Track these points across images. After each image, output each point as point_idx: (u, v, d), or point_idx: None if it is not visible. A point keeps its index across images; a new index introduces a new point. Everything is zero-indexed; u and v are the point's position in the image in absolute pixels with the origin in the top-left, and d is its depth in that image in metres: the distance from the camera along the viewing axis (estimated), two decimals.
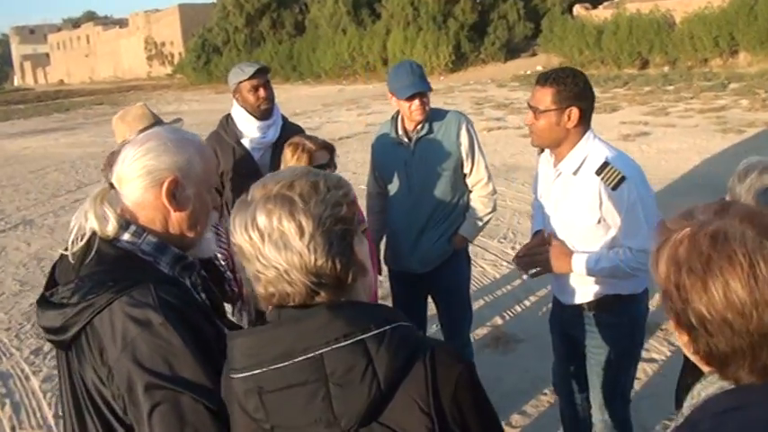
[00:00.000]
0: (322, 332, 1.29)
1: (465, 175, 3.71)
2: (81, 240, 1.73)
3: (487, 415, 1.40)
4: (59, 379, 1.88)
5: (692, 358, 1.26)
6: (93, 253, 1.70)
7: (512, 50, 30.42)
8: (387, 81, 3.67)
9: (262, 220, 1.32)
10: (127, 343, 1.58)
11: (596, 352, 3.07)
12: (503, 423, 3.53)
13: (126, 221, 1.74)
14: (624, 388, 3.16)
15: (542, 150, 3.21)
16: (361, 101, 22.34)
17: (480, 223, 3.75)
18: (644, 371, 4.48)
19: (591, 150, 2.87)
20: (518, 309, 5.62)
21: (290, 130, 3.91)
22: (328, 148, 3.37)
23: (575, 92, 2.82)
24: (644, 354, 4.21)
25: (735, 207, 1.22)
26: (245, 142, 3.84)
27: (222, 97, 27.11)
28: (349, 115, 18.69)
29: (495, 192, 3.77)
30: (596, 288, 2.99)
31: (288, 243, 1.31)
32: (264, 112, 3.83)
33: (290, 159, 3.27)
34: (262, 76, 3.82)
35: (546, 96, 2.82)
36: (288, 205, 1.32)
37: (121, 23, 57.52)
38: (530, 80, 23.83)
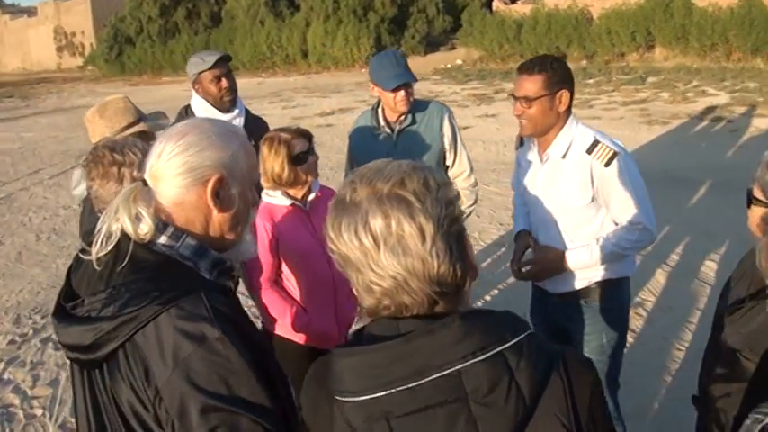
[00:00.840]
0: (459, 345, 1.16)
1: (447, 167, 3.68)
2: (107, 244, 1.54)
3: (611, 425, 1.32)
4: (75, 397, 1.68)
5: None
6: (126, 258, 1.52)
7: (431, 44, 30.59)
8: (369, 71, 3.59)
9: (377, 223, 1.18)
10: (179, 361, 1.42)
11: (589, 339, 3.08)
12: None
13: (163, 223, 1.57)
14: (616, 373, 3.19)
15: (521, 144, 3.23)
16: (283, 94, 22.06)
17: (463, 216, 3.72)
18: None
19: (576, 133, 2.94)
20: (478, 303, 5.64)
21: (253, 123, 3.78)
22: (305, 135, 3.17)
23: (562, 76, 2.89)
24: None
25: None
26: None
27: (136, 90, 26.35)
28: (273, 108, 18.39)
29: (476, 183, 3.75)
30: (585, 275, 3.01)
31: (407, 249, 1.18)
32: (227, 103, 3.68)
33: (267, 156, 3.03)
34: (224, 66, 3.66)
35: (536, 84, 2.85)
36: (405, 206, 1.19)
37: (30, 12, 55.06)
38: (450, 74, 24.11)
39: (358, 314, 1.40)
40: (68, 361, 1.68)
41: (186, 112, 3.74)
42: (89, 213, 2.69)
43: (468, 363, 1.15)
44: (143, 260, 1.53)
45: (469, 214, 3.76)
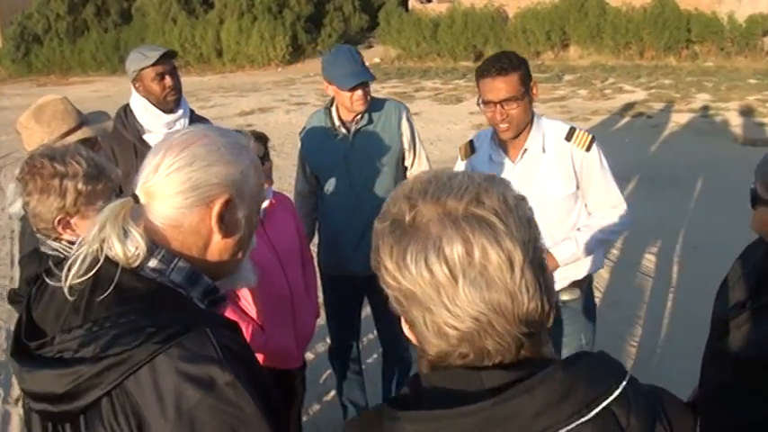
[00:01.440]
0: (564, 403, 0.94)
1: (406, 168, 3.51)
2: (87, 268, 1.28)
3: None
4: None
5: None
6: (111, 286, 1.26)
7: (348, 42, 30.28)
8: (322, 68, 3.37)
9: (456, 250, 0.94)
10: (183, 413, 1.18)
11: (568, 341, 3.03)
12: None
13: (154, 245, 1.33)
14: None
15: (472, 152, 3.14)
16: (199, 93, 21.41)
17: None
18: None
19: (546, 126, 2.91)
20: None
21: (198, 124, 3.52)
22: (261, 139, 2.92)
23: (528, 68, 2.84)
24: None
25: None
26: (149, 139, 3.32)
27: (44, 91, 25.21)
28: None
29: None
30: (564, 274, 2.95)
31: (493, 282, 0.94)
32: (171, 103, 3.37)
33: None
34: (168, 62, 3.34)
35: (513, 83, 2.75)
36: (488, 229, 0.95)
37: None
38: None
39: (416, 363, 1.11)
40: (23, 414, 1.38)
41: (125, 112, 3.40)
42: (30, 234, 2.35)
43: (573, 425, 0.93)
44: (131, 288, 1.29)
45: None
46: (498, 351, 0.98)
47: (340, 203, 3.38)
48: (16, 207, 2.61)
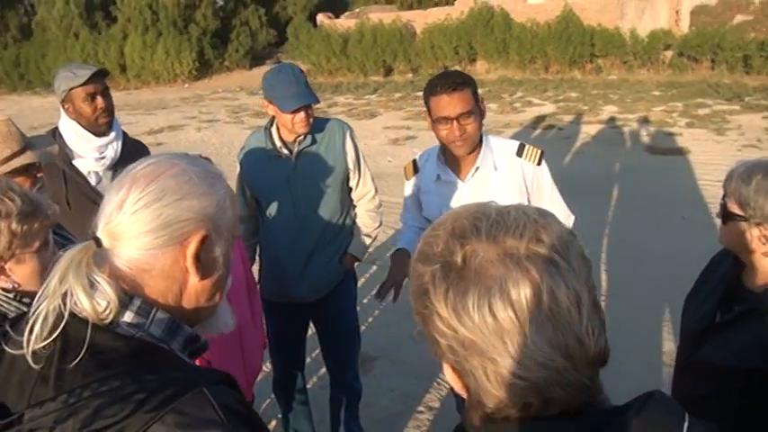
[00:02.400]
0: None
1: (351, 188, 3.40)
2: (49, 330, 1.11)
3: None
4: None
5: None
6: (83, 349, 1.10)
7: (256, 58, 30.09)
8: (263, 87, 3.23)
9: (523, 293, 0.86)
10: None
11: None
12: None
13: (126, 295, 1.17)
14: None
15: (416, 171, 3.09)
16: None
17: (369, 240, 3.44)
18: None
19: (494, 144, 2.92)
20: (362, 326, 5.39)
21: (132, 148, 3.27)
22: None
23: (475, 85, 2.81)
24: None
25: None
26: (80, 164, 3.11)
27: None
28: None
29: (380, 205, 3.49)
30: None
31: (562, 324, 0.87)
32: (103, 126, 3.13)
33: None
34: (100, 81, 3.11)
35: (467, 98, 2.72)
36: (555, 269, 0.88)
37: None
38: None
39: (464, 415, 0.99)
40: None
41: (53, 136, 3.11)
42: None
43: None
44: (109, 349, 1.12)
45: (374, 239, 3.50)
46: (563, 400, 0.90)
47: (284, 227, 3.23)
48: None
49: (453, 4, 25.22)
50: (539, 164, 2.90)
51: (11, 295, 1.79)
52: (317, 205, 3.24)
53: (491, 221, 0.94)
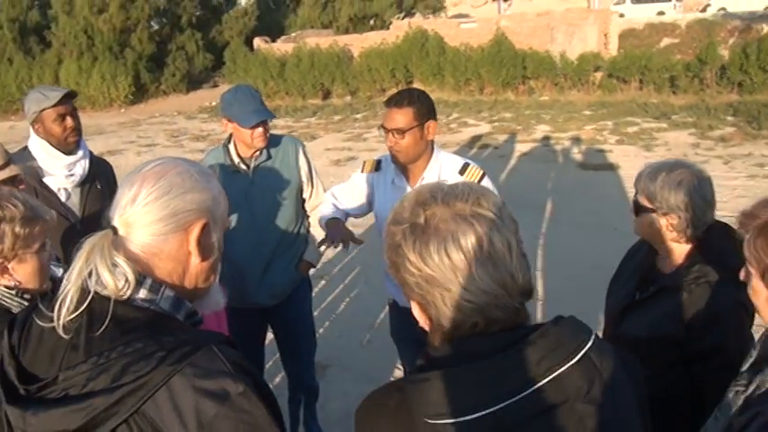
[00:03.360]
0: (558, 351, 1.18)
1: (304, 200, 3.65)
2: (77, 305, 1.32)
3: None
4: None
5: None
6: (107, 319, 1.31)
7: (193, 82, 30.05)
8: (222, 106, 3.46)
9: (469, 240, 1.19)
10: (204, 425, 1.26)
11: None
12: None
13: (141, 275, 1.39)
14: None
15: (377, 169, 3.34)
16: None
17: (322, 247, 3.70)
18: None
19: (443, 159, 3.18)
20: None
21: (98, 166, 3.48)
22: None
23: (428, 108, 3.09)
24: None
25: None
26: (50, 181, 3.28)
27: None
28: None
29: None
30: None
31: (498, 263, 1.20)
32: (72, 144, 3.31)
33: None
34: (69, 103, 3.30)
35: (407, 116, 3.01)
36: (491, 223, 1.21)
37: None
38: (217, 111, 23.64)
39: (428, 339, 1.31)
40: None
41: (23, 155, 3.29)
42: None
43: (567, 366, 1.17)
44: (130, 319, 1.34)
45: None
46: (502, 319, 1.22)
47: (243, 238, 3.45)
48: None
49: (389, 29, 25.75)
50: (478, 183, 3.10)
51: (13, 292, 1.98)
52: (274, 216, 3.48)
53: (445, 192, 1.27)
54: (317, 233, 3.66)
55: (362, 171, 3.40)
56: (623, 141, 13.17)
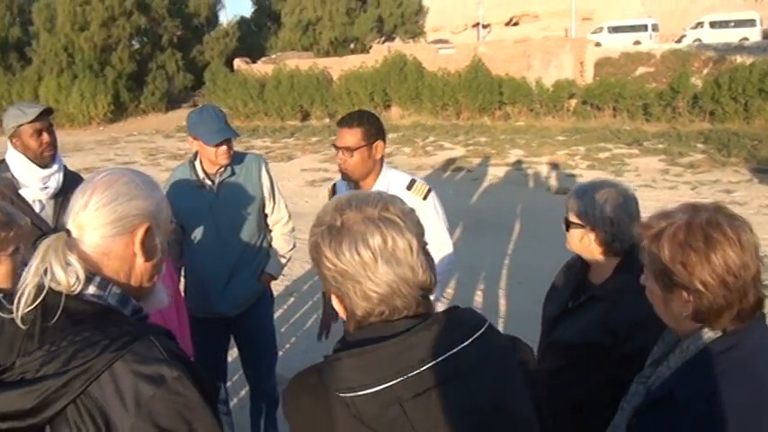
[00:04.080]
0: (451, 335, 1.37)
1: (266, 215, 3.78)
2: (30, 298, 1.46)
3: None
4: None
5: (685, 317, 1.68)
6: (59, 312, 1.46)
7: (172, 101, 30.20)
8: (188, 125, 3.59)
9: (375, 240, 1.37)
10: (141, 406, 1.40)
11: None
12: None
13: (90, 273, 1.53)
14: None
15: (334, 193, 3.50)
16: None
17: (284, 260, 3.83)
18: None
19: (392, 175, 3.33)
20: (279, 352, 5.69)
21: (71, 180, 3.59)
22: None
23: (377, 128, 3.26)
24: None
25: (703, 206, 1.69)
26: (25, 193, 3.41)
27: None
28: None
29: (294, 229, 3.88)
30: None
31: (400, 260, 1.38)
32: (47, 159, 3.45)
33: None
34: (45, 119, 3.44)
35: (356, 136, 3.19)
36: (395, 226, 1.39)
37: None
38: None
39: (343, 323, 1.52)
40: None
41: (1, 168, 3.44)
42: None
43: (460, 347, 1.37)
44: (79, 311, 1.48)
45: (289, 260, 3.88)
46: (404, 307, 1.40)
47: (207, 249, 3.58)
48: None
49: (368, 53, 26.06)
50: (424, 199, 3.27)
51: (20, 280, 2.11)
52: (238, 230, 3.61)
53: (359, 199, 1.45)
54: (279, 247, 3.80)
55: (329, 199, 3.55)
56: (594, 166, 13.45)
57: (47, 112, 3.46)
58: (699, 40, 26.92)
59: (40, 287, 1.48)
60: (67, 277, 1.49)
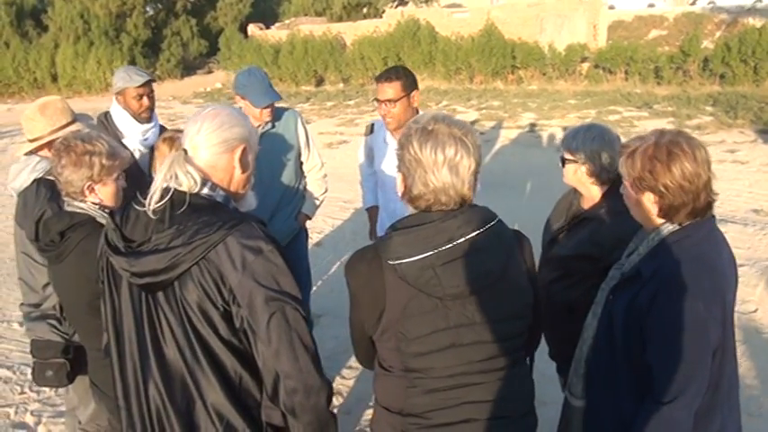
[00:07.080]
0: (470, 224, 1.89)
1: (302, 162, 4.25)
2: (163, 197, 1.98)
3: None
4: (116, 316, 2.10)
5: (652, 214, 2.19)
6: (185, 204, 1.97)
7: (188, 68, 30.52)
8: (236, 85, 4.02)
9: (450, 151, 1.88)
10: (246, 267, 1.92)
11: None
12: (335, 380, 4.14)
13: (204, 179, 2.04)
14: None
15: (371, 131, 3.99)
16: None
17: (318, 202, 4.33)
18: None
19: None
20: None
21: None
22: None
23: (412, 80, 3.76)
24: None
25: (669, 130, 2.18)
26: (126, 142, 3.93)
27: None
28: None
29: (326, 175, 4.36)
30: None
31: (458, 172, 1.90)
32: (144, 119, 4.00)
33: (168, 152, 3.45)
34: (149, 86, 3.99)
35: (395, 88, 3.66)
36: (467, 148, 1.90)
37: None
38: (212, 96, 24.25)
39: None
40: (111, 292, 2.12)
41: (106, 117, 4.01)
42: (46, 198, 2.96)
43: (476, 232, 1.92)
44: (198, 204, 2.00)
45: (322, 202, 4.37)
46: (445, 203, 1.93)
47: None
48: (18, 182, 3.17)
49: (382, 17, 26.27)
50: None
51: (97, 206, 2.71)
52: (278, 175, 4.09)
53: (451, 120, 1.97)
54: (313, 190, 4.30)
55: (365, 135, 4.11)
56: None
57: (150, 82, 4.00)
58: (713, 2, 26.96)
59: (166, 189, 2.00)
60: (188, 180, 2.01)
